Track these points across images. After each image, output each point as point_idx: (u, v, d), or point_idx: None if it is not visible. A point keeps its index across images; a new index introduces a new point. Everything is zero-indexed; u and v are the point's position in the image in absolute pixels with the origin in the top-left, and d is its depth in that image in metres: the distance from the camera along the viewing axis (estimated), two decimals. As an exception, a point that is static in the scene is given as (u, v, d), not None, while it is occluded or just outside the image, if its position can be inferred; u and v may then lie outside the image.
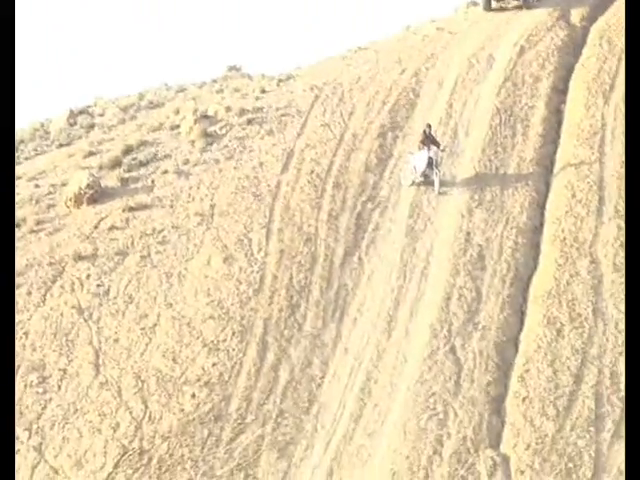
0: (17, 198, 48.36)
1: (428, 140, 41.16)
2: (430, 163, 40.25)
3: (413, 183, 41.64)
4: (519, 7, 52.76)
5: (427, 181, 41.03)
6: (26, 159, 53.19)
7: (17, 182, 50.02)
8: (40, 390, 36.25)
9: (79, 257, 40.76)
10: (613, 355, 34.27)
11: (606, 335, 34.60)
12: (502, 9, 53.32)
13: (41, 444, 35.05)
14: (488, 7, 54.12)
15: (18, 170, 51.41)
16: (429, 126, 42.48)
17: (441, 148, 41.47)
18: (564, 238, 38.15)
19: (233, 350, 36.16)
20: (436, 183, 40.32)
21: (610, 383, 33.26)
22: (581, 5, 52.83)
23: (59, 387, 36.44)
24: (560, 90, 45.54)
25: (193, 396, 34.29)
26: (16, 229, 45.20)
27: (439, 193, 40.44)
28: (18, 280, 43.45)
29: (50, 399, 35.82)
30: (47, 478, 34.35)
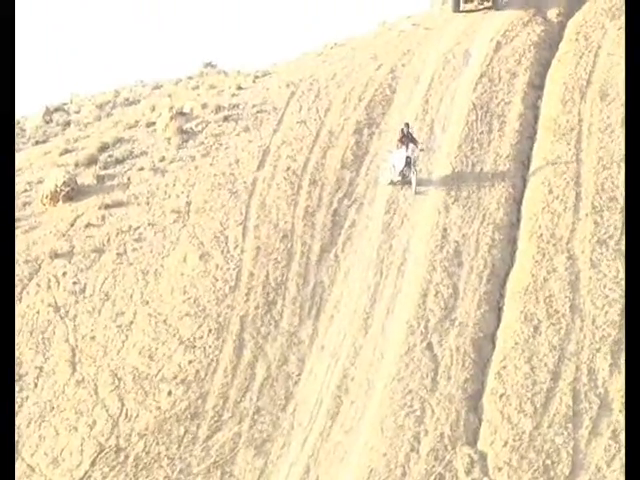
0: None
1: (406, 139, 41.26)
2: (408, 162, 40.39)
3: (391, 182, 41.83)
4: (489, 8, 52.86)
5: (405, 180, 41.15)
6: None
7: None
8: (16, 388, 36.31)
9: (55, 255, 40.97)
10: (590, 352, 34.36)
11: (583, 332, 34.73)
12: (471, 11, 53.59)
13: (17, 442, 35.14)
14: (457, 9, 54.18)
15: None
16: (407, 125, 42.54)
17: (419, 147, 41.61)
18: (541, 234, 38.31)
19: (209, 347, 36.34)
20: (413, 182, 40.50)
21: (587, 380, 33.40)
22: (557, 1, 53.15)
23: (35, 385, 36.54)
24: (536, 86, 45.82)
25: (169, 394, 34.39)
26: None
27: (416, 193, 40.57)
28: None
29: (26, 397, 35.90)
30: (24, 476, 34.53)
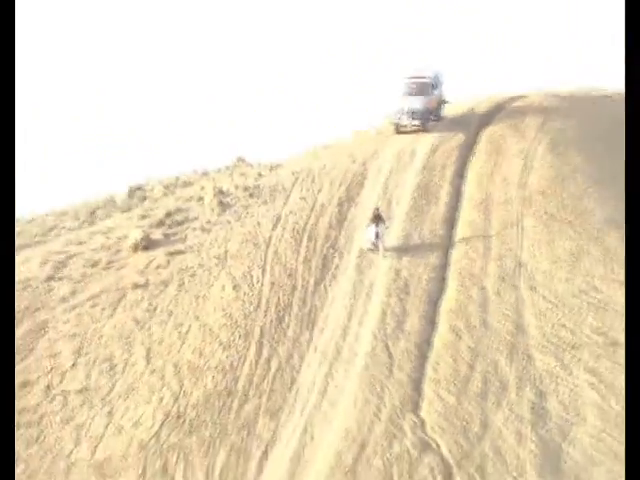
0: (94, 246, 48.70)
1: (376, 219, 41.03)
2: (377, 236, 40.19)
3: (366, 249, 41.52)
4: (421, 130, 50.99)
5: (375, 248, 40.79)
6: (100, 220, 52.75)
7: (94, 236, 49.60)
8: (111, 374, 36.60)
9: (136, 286, 41.07)
10: (494, 352, 33.87)
11: (490, 339, 34.42)
12: (407, 132, 51.86)
13: (110, 411, 35.41)
14: (397, 131, 52.08)
15: (95, 228, 51.33)
16: (377, 209, 42.23)
17: (385, 225, 41.16)
18: (461, 273, 38.35)
19: (240, 348, 36.33)
20: (381, 249, 40.16)
21: (493, 370, 33.17)
22: (473, 120, 52.19)
23: (123, 372, 36.57)
24: (460, 174, 45.33)
25: (213, 378, 34.36)
26: (93, 268, 45.05)
27: (383, 257, 40.22)
28: (95, 301, 43.28)
29: (117, 380, 36.19)
30: (115, 433, 34.44)
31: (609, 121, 51.99)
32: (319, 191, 46.22)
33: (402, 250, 39.90)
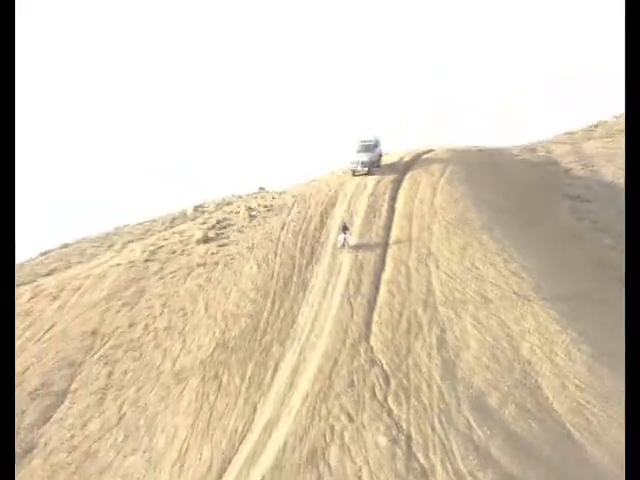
0: (173, 240, 46.12)
1: (344, 228, 39.01)
2: (344, 239, 38.10)
3: (339, 246, 38.85)
4: (368, 174, 47.86)
5: (342, 246, 38.63)
6: (177, 225, 51.07)
7: (173, 235, 47.63)
8: (183, 318, 35.29)
9: (198, 265, 39.08)
10: (414, 306, 32.40)
11: (412, 298, 32.98)
12: (360, 175, 48.62)
13: (184, 340, 34.13)
14: (354, 174, 49.17)
15: (174, 230, 50.05)
16: (344, 223, 40.67)
17: (349, 232, 39.21)
18: (394, 257, 36.55)
19: (261, 303, 34.50)
20: (346, 247, 38.13)
21: (414, 317, 31.90)
22: (400, 166, 49.66)
23: (190, 316, 35.21)
24: (393, 198, 43.19)
25: (245, 321, 33.18)
26: (172, 254, 43.21)
27: (347, 251, 38.11)
28: (174, 274, 41.23)
29: (187, 321, 34.85)
30: (186, 354, 33.23)
31: (486, 166, 49.40)
32: (309, 208, 44.35)
33: (359, 245, 38.23)
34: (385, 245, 37.71)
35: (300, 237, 40.91)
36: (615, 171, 51.22)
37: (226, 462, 26.12)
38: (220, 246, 41.64)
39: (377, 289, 33.69)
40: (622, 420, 26.40)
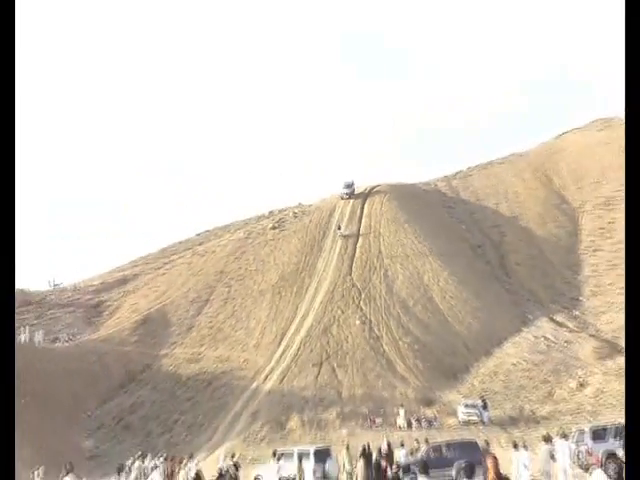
0: (255, 229, 62.43)
1: (339, 225, 52.09)
2: (339, 229, 51.48)
3: (338, 234, 53.75)
4: (349, 198, 60.06)
5: (338, 229, 52.91)
6: (258, 221, 65.90)
7: (251, 225, 63.54)
8: (261, 269, 51.35)
9: (270, 240, 56.38)
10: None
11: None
12: (345, 199, 61.03)
13: (263, 275, 50.27)
14: (342, 199, 60.18)
15: (254, 224, 63.81)
16: (338, 222, 55.35)
17: (342, 226, 52.68)
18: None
19: (299, 261, 51.05)
20: (340, 234, 51.18)
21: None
22: (363, 195, 62.58)
23: (264, 267, 52.42)
24: (362, 208, 58.52)
25: (292, 266, 49.81)
26: (258, 234, 58.11)
27: (340, 236, 52.74)
28: (260, 244, 56.83)
29: (264, 267, 51.55)
30: (265, 283, 51.30)
31: (409, 193, 65.30)
32: (311, 220, 61.47)
33: (347, 234, 53.99)
34: (358, 232, 55.05)
35: (317, 227, 57.98)
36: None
37: (283, 334, 46.03)
38: (281, 230, 59.24)
39: (354, 251, 52.60)
40: (473, 305, 45.85)
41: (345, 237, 55.61)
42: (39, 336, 45.99)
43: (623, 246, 49.74)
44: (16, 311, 44.17)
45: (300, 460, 23.45)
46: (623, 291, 45.64)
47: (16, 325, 39.79)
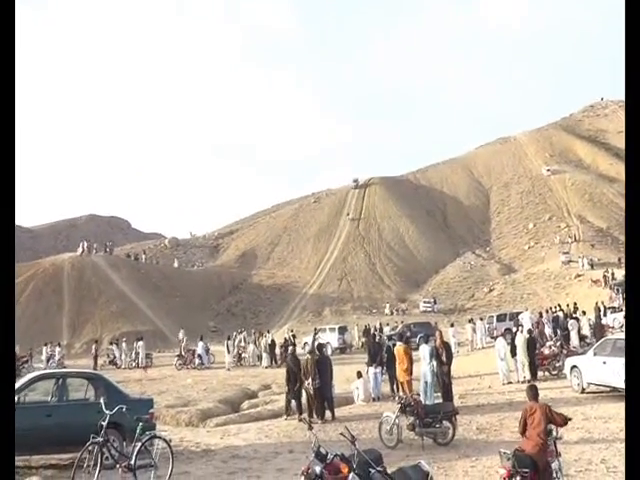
0: (296, 209, 74.95)
1: (348, 212, 61.97)
2: (348, 214, 61.40)
3: (348, 217, 65.45)
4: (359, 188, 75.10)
5: (347, 215, 64.88)
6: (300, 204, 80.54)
7: (291, 207, 78.06)
8: (303, 231, 68.24)
9: (308, 219, 74.97)
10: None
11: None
12: (353, 188, 77.83)
13: (305, 232, 66.41)
14: (352, 188, 74.45)
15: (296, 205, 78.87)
16: (348, 210, 66.98)
17: (351, 212, 64.00)
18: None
19: (324, 231, 66.99)
20: (349, 218, 60.15)
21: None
22: (364, 184, 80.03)
23: (304, 231, 69.05)
24: (362, 199, 74.52)
25: (318, 232, 65.90)
26: (295, 213, 69.81)
27: (349, 220, 63.74)
28: (303, 221, 69.06)
29: (303, 231, 66.96)
30: (304, 236, 66.14)
31: (396, 185, 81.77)
32: (336, 198, 77.68)
33: (353, 217, 69.37)
34: (360, 215, 71.54)
35: (340, 203, 75.78)
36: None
37: (320, 261, 66.88)
38: (318, 204, 75.70)
39: (358, 228, 69.63)
40: (427, 245, 65.47)
41: (352, 219, 75.52)
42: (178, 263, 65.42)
43: (516, 208, 72.72)
44: (170, 250, 68.89)
45: (330, 332, 31.96)
46: (517, 235, 70.21)
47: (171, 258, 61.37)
